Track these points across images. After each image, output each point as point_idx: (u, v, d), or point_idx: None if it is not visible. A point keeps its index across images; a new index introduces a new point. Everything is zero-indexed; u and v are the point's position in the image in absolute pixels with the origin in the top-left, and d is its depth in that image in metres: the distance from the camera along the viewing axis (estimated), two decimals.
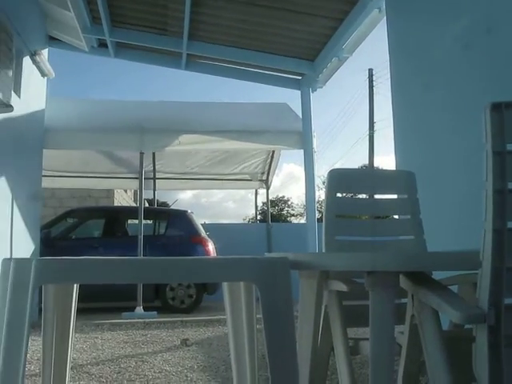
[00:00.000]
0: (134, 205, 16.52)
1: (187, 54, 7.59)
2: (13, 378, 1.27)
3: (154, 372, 3.94)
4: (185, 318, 6.82)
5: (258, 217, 15.36)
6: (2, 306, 1.35)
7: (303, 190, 7.92)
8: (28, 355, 1.35)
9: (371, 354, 1.53)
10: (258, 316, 1.71)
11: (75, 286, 1.93)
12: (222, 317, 6.58)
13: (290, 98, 12.37)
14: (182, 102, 9.57)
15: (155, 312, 7.10)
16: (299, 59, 7.48)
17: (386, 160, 49.17)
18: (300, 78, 8.00)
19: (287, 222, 37.85)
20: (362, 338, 2.24)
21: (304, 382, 2.08)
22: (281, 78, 8.26)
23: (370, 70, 26.17)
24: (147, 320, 6.64)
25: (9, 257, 1.44)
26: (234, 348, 2.03)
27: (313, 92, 7.94)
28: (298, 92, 7.99)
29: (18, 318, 1.31)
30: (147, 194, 11.58)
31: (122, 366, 4.17)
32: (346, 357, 1.94)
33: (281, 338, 1.35)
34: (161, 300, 8.04)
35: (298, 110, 8.32)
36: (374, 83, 26.04)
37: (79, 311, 1.99)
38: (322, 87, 7.86)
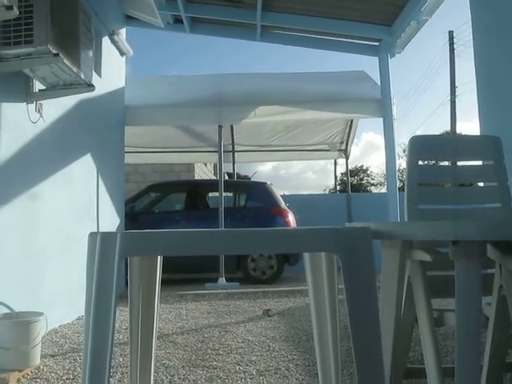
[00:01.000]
0: (214, 178, 16.74)
1: (262, 25, 7.53)
2: (102, 346, 1.32)
3: (237, 342, 4.02)
4: (266, 289, 6.89)
5: (338, 187, 15.24)
6: (91, 279, 1.39)
7: (383, 159, 7.80)
8: (116, 325, 1.39)
9: (457, 326, 1.48)
10: (339, 286, 1.70)
11: (159, 257, 1.97)
12: (303, 287, 6.60)
13: (366, 67, 12.01)
14: (259, 73, 9.53)
15: (237, 283, 7.21)
16: (376, 24, 7.27)
17: (469, 126, 47.42)
18: (377, 44, 7.79)
19: (367, 191, 37.37)
20: (446, 310, 2.18)
21: (387, 353, 2.06)
22: (357, 44, 8.08)
23: (451, 33, 25.09)
24: (229, 291, 6.77)
25: (95, 231, 1.48)
26: (316, 318, 2.03)
27: (391, 58, 7.72)
28: (376, 59, 7.79)
29: (106, 290, 1.35)
30: (227, 167, 11.71)
31: (206, 335, 4.28)
32: (430, 328, 1.89)
33: (363, 309, 1.33)
34: (242, 271, 8.15)
35: (375, 77, 8.13)
36: (455, 46, 24.98)
37: (164, 282, 2.04)
38: (400, 52, 7.62)
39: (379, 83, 7.82)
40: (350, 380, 2.94)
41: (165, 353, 3.68)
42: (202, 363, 3.39)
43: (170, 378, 3.09)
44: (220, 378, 3.05)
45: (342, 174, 33.49)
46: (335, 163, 12.19)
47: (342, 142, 10.78)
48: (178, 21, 7.91)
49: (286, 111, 7.76)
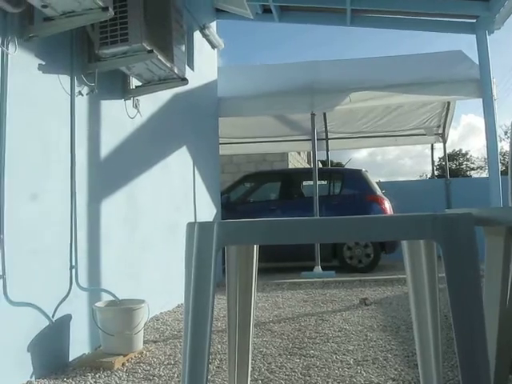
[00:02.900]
0: (308, 166, 16.70)
1: (352, 9, 7.39)
2: (201, 333, 1.35)
3: (334, 330, 3.99)
4: (363, 277, 6.80)
5: (436, 172, 14.80)
6: (189, 267, 1.43)
7: (484, 142, 7.44)
8: (214, 313, 1.41)
9: None
10: (440, 275, 1.64)
11: (255, 246, 1.99)
12: (401, 276, 6.47)
13: (461, 46, 11.51)
14: (350, 59, 9.39)
15: (333, 271, 7.17)
16: (473, 0, 6.94)
17: None
18: (474, 20, 7.44)
19: (466, 176, 36.04)
20: None
21: (492, 345, 1.97)
22: (453, 23, 7.75)
23: None
24: (326, 279, 6.74)
25: (193, 220, 1.51)
26: (415, 308, 1.98)
27: (489, 35, 7.34)
28: (473, 36, 7.45)
29: (204, 278, 1.38)
30: (320, 155, 11.64)
31: (303, 324, 4.28)
32: None
33: (466, 299, 1.28)
34: (338, 259, 8.08)
35: (473, 56, 7.78)
36: None
37: (260, 271, 2.06)
38: (499, 28, 7.22)
39: (477, 62, 7.47)
40: (452, 372, 2.85)
41: (262, 341, 3.72)
42: (299, 352, 3.40)
43: (267, 365, 3.12)
44: (317, 367, 3.05)
45: (439, 158, 32.50)
46: (432, 148, 11.77)
47: (438, 126, 10.43)
48: (266, 10, 7.93)
49: (379, 96, 7.59)
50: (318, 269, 7.25)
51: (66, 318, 3.32)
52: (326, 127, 10.54)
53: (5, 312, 2.74)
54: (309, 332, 3.97)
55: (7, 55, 2.86)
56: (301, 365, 3.11)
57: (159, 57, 3.77)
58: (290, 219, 1.43)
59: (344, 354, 3.30)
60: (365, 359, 3.18)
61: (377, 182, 9.20)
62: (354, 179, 8.68)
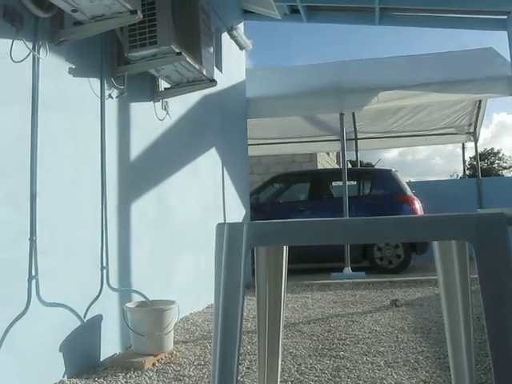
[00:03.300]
0: (337, 167, 16.62)
1: (380, 7, 7.34)
2: (231, 334, 1.35)
3: (364, 332, 3.97)
4: (393, 279, 6.74)
5: (467, 172, 14.60)
6: (219, 268, 1.43)
7: None
8: (244, 313, 1.41)
9: None
10: (472, 276, 1.62)
11: (285, 247, 1.99)
12: (432, 277, 6.40)
13: (490, 44, 11.31)
14: (378, 58, 9.31)
15: (363, 272, 7.12)
16: None
17: None
18: (505, 17, 7.31)
19: (498, 175, 35.47)
20: None
21: None
22: (483, 20, 7.63)
23: None
24: (355, 280, 6.70)
25: (222, 221, 1.51)
26: (447, 309, 1.95)
27: None
28: (504, 33, 7.32)
29: (234, 279, 1.38)
30: (350, 156, 11.57)
31: (333, 325, 4.26)
32: None
33: (499, 301, 1.26)
34: (368, 260, 8.03)
35: (504, 53, 7.65)
36: None
37: (290, 272, 2.05)
38: None
39: (509, 59, 7.34)
40: (485, 375, 2.81)
41: (291, 342, 3.72)
42: (329, 353, 3.39)
43: (296, 366, 3.11)
44: (347, 368, 3.03)
45: (470, 158, 32.07)
46: (463, 147, 11.60)
47: (470, 125, 10.28)
48: (294, 11, 7.91)
49: (409, 95, 7.52)
50: (347, 270, 7.21)
51: (98, 318, 3.36)
52: (355, 127, 10.49)
53: (38, 312, 2.79)
54: (339, 333, 3.95)
55: (38, 60, 2.90)
56: (331, 366, 3.09)
57: (188, 59, 3.79)
58: (319, 220, 1.42)
59: (374, 356, 3.27)
60: (395, 361, 3.15)
61: (407, 182, 9.12)
62: (384, 179, 8.61)
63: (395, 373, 2.92)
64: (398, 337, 3.76)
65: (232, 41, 6.95)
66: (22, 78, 2.82)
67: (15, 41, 2.73)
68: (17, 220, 2.72)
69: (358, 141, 10.83)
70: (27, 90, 2.84)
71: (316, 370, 3.04)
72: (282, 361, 3.10)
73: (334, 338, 3.81)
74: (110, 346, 3.47)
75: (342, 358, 3.24)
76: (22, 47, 2.78)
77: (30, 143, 2.82)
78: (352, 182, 9.06)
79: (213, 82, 4.40)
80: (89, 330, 3.27)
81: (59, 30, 3.05)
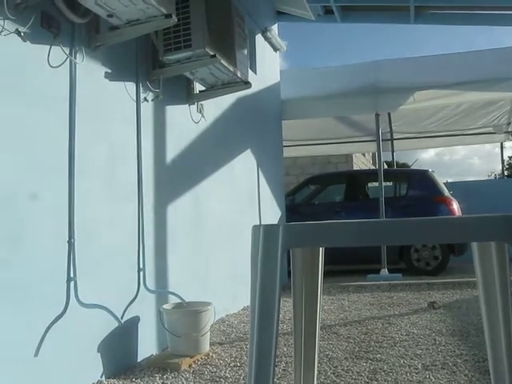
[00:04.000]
0: (373, 168, 16.48)
1: (415, 6, 7.24)
2: (268, 336, 1.35)
3: (401, 334, 3.92)
4: (431, 280, 6.65)
5: (505, 171, 14.33)
6: (255, 270, 1.43)
7: None
8: (280, 315, 1.41)
9: None
10: None
11: (321, 249, 1.98)
12: (470, 279, 6.29)
13: None
14: (414, 57, 9.18)
15: (400, 274, 7.04)
16: None
17: None
18: None
19: None
20: None
21: None
22: None
23: None
24: (392, 282, 6.62)
25: (258, 223, 1.51)
26: (486, 312, 1.91)
27: None
28: None
29: (270, 281, 1.38)
30: (385, 156, 11.46)
31: (369, 327, 4.23)
32: None
33: None
34: (405, 262, 7.93)
35: None
36: None
37: (326, 273, 2.04)
38: None
39: None
40: None
41: (328, 344, 3.70)
42: (366, 355, 3.36)
43: (333, 369, 3.09)
44: (384, 371, 3.00)
45: (509, 157, 31.46)
46: (502, 146, 11.39)
47: (508, 124, 10.07)
48: (328, 11, 7.87)
49: (445, 94, 7.41)
50: (384, 271, 7.14)
51: (135, 320, 3.39)
52: (390, 127, 10.37)
53: (76, 313, 2.83)
54: (375, 335, 3.91)
55: (75, 65, 2.95)
56: (367, 369, 3.06)
57: (222, 61, 3.81)
58: (355, 221, 1.41)
59: (412, 359, 3.23)
60: (433, 364, 3.10)
61: (444, 183, 8.99)
62: (421, 180, 8.50)
63: (433, 376, 2.87)
64: (435, 339, 3.71)
65: (266, 42, 6.96)
66: (60, 83, 2.87)
67: (53, 47, 2.79)
68: (55, 223, 2.77)
69: (394, 141, 10.71)
70: (65, 94, 2.89)
71: (352, 372, 3.01)
72: (319, 363, 3.08)
73: (371, 340, 3.78)
74: (146, 346, 3.50)
75: (379, 361, 3.21)
76: (59, 53, 2.83)
77: (67, 147, 2.87)
78: (388, 183, 8.97)
79: (247, 83, 4.41)
80: (126, 331, 3.31)
81: (95, 35, 3.10)
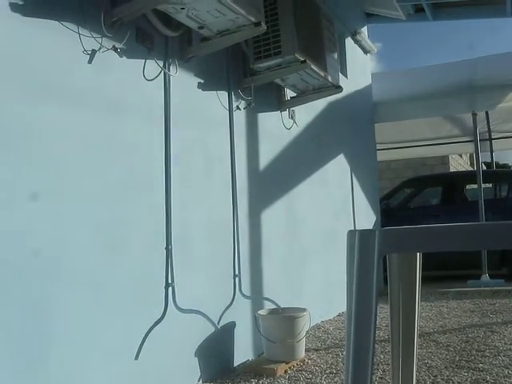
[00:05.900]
0: (471, 169, 15.89)
1: None
2: (364, 343, 1.33)
3: (505, 343, 3.74)
4: None
5: None
6: (350, 276, 1.41)
7: None
8: (377, 322, 1.38)
9: None
10: None
11: (419, 254, 1.93)
12: None
13: None
14: (510, 52, 8.77)
15: (502, 280, 6.73)
16: None
17: None
18: None
19: None
20: None
21: None
22: None
23: None
24: (494, 288, 6.35)
25: (352, 228, 1.50)
26: None
27: None
28: None
29: (366, 287, 1.36)
30: (484, 157, 11.00)
31: (470, 335, 4.06)
32: None
33: None
34: (508, 268, 7.57)
35: None
36: None
37: (423, 279, 1.98)
38: None
39: None
40: None
41: (426, 352, 3.59)
42: (467, 365, 3.23)
43: (432, 378, 3.00)
44: (487, 382, 2.88)
45: None
46: None
47: None
48: (418, 10, 7.68)
49: None
50: (485, 277, 6.84)
51: (231, 325, 3.44)
52: (488, 127, 9.94)
53: (174, 319, 2.90)
54: (477, 344, 3.75)
55: (169, 77, 3.04)
56: (469, 379, 2.95)
57: (312, 66, 3.80)
58: (454, 225, 1.36)
59: None
60: None
61: None
62: None
63: None
64: None
65: (356, 45, 6.89)
66: (155, 95, 2.97)
67: (147, 60, 2.89)
68: (153, 230, 2.86)
69: (493, 141, 10.27)
70: (160, 106, 2.99)
71: (453, 382, 2.91)
72: (417, 371, 2.99)
73: (472, 348, 3.63)
74: (242, 352, 3.54)
75: (482, 371, 3.08)
76: (153, 66, 2.93)
77: (163, 157, 2.95)
78: (488, 185, 8.61)
79: (338, 88, 4.37)
80: (223, 336, 3.36)
81: (187, 47, 3.18)
